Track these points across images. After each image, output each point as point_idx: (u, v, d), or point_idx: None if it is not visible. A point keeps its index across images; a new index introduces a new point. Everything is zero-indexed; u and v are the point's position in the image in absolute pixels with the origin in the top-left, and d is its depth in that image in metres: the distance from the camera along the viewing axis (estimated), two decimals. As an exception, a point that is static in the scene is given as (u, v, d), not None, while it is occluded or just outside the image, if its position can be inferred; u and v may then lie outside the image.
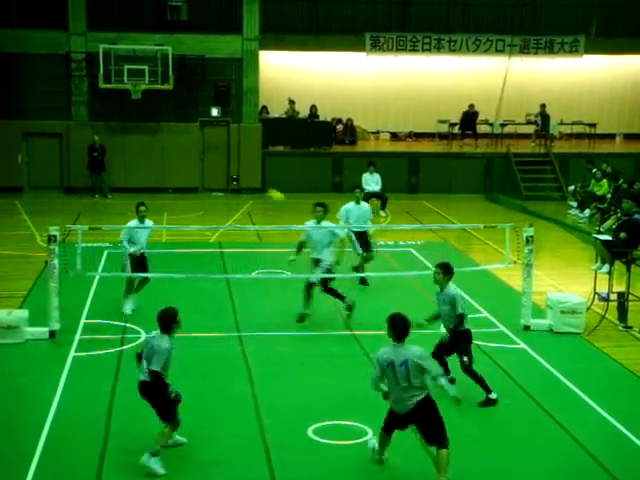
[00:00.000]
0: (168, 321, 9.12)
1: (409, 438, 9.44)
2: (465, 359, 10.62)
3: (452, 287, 10.72)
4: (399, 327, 8.54)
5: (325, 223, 14.12)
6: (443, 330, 11.14)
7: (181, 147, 27.11)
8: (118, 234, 18.94)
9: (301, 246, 14.12)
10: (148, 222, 14.44)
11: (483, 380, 10.63)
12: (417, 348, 8.57)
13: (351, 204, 16.16)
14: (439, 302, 10.78)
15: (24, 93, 26.26)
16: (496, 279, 16.31)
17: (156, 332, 9.16)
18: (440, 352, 10.90)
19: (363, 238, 16.09)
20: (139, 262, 14.15)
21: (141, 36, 26.45)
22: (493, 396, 10.62)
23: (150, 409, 9.10)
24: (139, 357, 9.09)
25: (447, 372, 10.96)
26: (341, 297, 13.93)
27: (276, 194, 16.15)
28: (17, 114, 26.29)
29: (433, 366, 8.68)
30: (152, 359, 8.86)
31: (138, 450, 9.25)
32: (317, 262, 13.89)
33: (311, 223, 14.07)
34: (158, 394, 8.97)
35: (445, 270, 10.69)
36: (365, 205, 16.48)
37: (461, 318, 10.62)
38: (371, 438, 9.37)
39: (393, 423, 8.83)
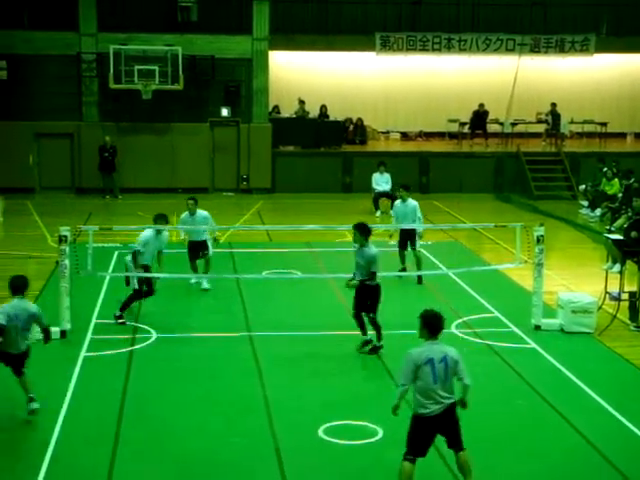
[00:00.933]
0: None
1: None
2: (372, 315, 12.27)
3: (373, 248, 12.18)
4: (435, 323, 8.42)
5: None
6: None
7: (191, 147, 27.15)
8: (128, 235, 19.13)
9: None
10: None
11: (380, 329, 12.36)
12: (453, 348, 8.50)
13: (398, 202, 16.65)
14: (357, 256, 12.33)
15: (35, 94, 26.34)
16: (507, 279, 16.28)
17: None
18: (358, 311, 12.37)
19: (411, 236, 16.35)
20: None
21: (151, 37, 26.50)
22: (379, 344, 12.29)
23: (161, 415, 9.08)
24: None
25: (364, 331, 12.43)
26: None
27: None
28: (28, 115, 26.37)
29: (466, 372, 8.57)
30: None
31: (149, 450, 9.29)
32: None
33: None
34: None
35: (361, 231, 12.18)
36: (412, 202, 16.55)
37: (373, 275, 12.11)
38: None
39: (423, 436, 8.32)
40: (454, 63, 30.97)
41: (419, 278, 16.17)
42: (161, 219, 14.32)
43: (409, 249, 16.47)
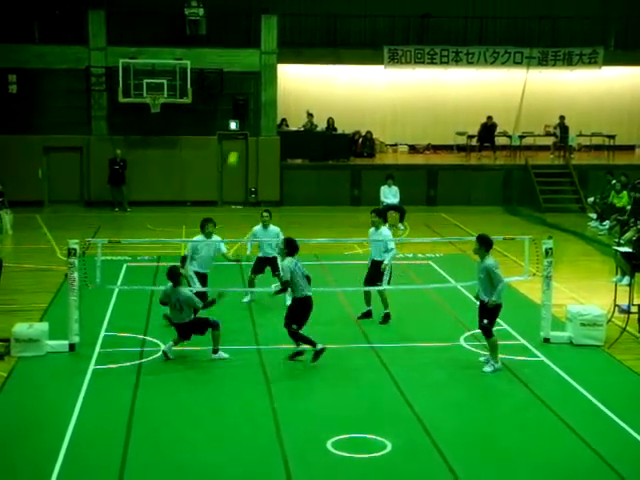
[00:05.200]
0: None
1: (428, 447, 9.43)
2: (294, 326, 12.35)
3: (287, 261, 12.37)
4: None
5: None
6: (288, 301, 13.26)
7: (200, 160, 27.23)
8: (137, 247, 19.20)
9: None
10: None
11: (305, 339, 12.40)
12: None
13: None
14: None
15: (44, 108, 26.50)
16: (515, 292, 16.25)
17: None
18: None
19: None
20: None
21: (160, 50, 26.65)
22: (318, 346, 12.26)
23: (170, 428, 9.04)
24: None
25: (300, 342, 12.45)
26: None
27: (233, 157, 16.66)
28: (38, 129, 26.51)
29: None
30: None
31: (158, 463, 9.28)
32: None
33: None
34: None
35: (289, 248, 12.50)
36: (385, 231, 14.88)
37: (285, 285, 12.40)
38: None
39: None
40: (462, 76, 31.04)
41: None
42: (209, 223, 14.31)
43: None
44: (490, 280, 11.90)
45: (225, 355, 12.58)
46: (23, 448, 9.65)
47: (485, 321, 11.98)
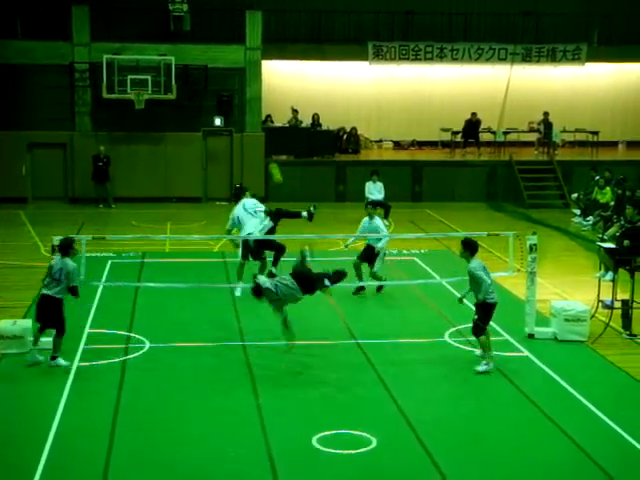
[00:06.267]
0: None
1: (413, 443, 9.48)
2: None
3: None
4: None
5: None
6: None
7: (184, 157, 27.16)
8: (122, 244, 19.16)
9: None
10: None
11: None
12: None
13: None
14: None
15: (28, 104, 26.34)
16: (500, 287, 16.25)
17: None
18: None
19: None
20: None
21: (144, 46, 26.53)
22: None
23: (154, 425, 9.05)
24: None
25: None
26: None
27: (276, 173, 17.03)
28: (21, 125, 26.36)
29: None
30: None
31: (143, 460, 9.27)
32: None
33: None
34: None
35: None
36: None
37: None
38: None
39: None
40: (446, 72, 31.08)
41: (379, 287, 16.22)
42: (240, 190, 16.37)
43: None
44: (474, 281, 11.99)
45: (64, 363, 11.98)
46: (7, 445, 9.61)
47: (476, 316, 12.04)
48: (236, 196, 16.76)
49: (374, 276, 16.08)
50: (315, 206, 14.49)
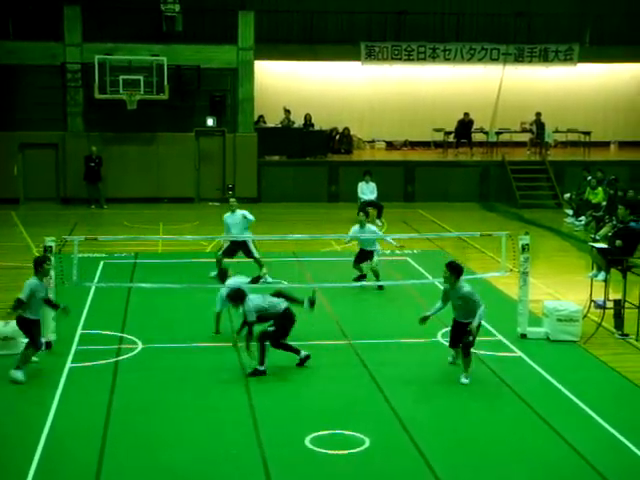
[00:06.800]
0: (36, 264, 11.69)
1: (406, 443, 9.47)
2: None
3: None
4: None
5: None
6: None
7: (177, 157, 27.12)
8: (114, 244, 19.13)
9: None
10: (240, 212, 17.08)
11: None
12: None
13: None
14: None
15: (20, 104, 26.27)
16: (492, 287, 16.32)
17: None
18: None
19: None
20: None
21: (136, 47, 26.48)
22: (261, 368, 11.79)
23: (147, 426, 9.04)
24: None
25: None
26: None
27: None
28: (13, 125, 26.29)
29: None
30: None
31: (135, 460, 9.26)
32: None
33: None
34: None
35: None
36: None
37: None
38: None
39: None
40: (439, 72, 31.10)
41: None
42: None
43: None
44: (468, 305, 11.66)
45: (20, 377, 11.46)
46: (-1, 447, 9.60)
47: (470, 338, 11.53)
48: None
49: (374, 270, 16.40)
50: (314, 291, 13.40)
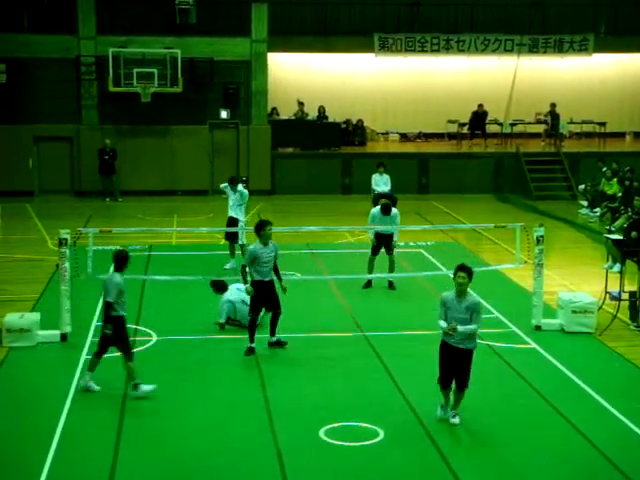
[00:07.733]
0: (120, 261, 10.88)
1: (420, 435, 9.48)
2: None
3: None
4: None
5: None
6: None
7: (190, 150, 27.16)
8: (128, 237, 19.18)
9: None
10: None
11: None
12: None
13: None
14: None
15: (34, 97, 26.36)
16: (507, 279, 16.28)
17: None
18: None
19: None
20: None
21: (150, 39, 26.51)
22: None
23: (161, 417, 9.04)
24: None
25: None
26: None
27: None
28: (28, 118, 26.38)
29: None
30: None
31: (150, 452, 9.30)
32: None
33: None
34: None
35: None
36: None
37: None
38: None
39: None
40: (453, 64, 30.98)
41: (390, 283, 16.09)
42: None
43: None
44: (471, 320, 9.88)
45: (149, 387, 10.80)
46: (14, 440, 9.64)
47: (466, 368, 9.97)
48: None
49: (392, 262, 16.02)
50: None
